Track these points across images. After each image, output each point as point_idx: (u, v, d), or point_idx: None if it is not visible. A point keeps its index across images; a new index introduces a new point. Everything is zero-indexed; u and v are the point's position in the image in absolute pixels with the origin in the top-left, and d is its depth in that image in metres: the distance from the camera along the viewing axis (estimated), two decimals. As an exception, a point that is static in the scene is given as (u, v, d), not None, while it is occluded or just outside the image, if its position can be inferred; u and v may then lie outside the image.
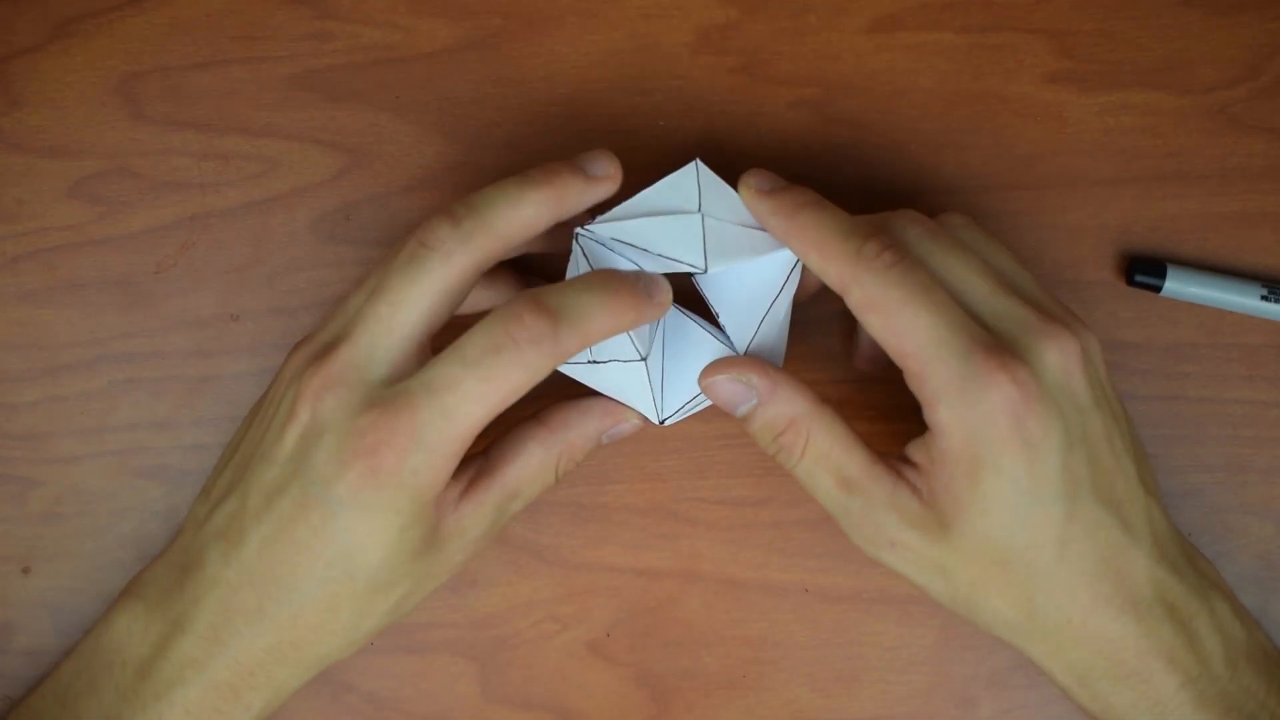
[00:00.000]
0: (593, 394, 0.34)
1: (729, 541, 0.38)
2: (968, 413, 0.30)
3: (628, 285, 0.31)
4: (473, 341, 0.29)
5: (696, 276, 0.33)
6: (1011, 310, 0.31)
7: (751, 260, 0.32)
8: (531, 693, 0.38)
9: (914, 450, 0.32)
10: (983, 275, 0.32)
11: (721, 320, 0.33)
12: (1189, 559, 0.33)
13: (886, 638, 0.38)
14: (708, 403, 0.34)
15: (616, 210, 0.32)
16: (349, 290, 0.36)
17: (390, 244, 0.38)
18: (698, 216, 0.32)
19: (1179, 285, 0.37)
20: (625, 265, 0.32)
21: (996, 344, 0.30)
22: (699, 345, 0.34)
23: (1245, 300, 0.37)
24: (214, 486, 0.33)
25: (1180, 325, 0.38)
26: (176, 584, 0.32)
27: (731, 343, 0.33)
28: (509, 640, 0.38)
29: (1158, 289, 0.38)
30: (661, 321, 0.33)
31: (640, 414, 0.34)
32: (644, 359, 0.32)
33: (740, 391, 0.32)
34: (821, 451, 0.32)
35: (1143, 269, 0.38)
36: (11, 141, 0.38)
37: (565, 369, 0.33)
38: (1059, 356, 0.30)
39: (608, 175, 0.32)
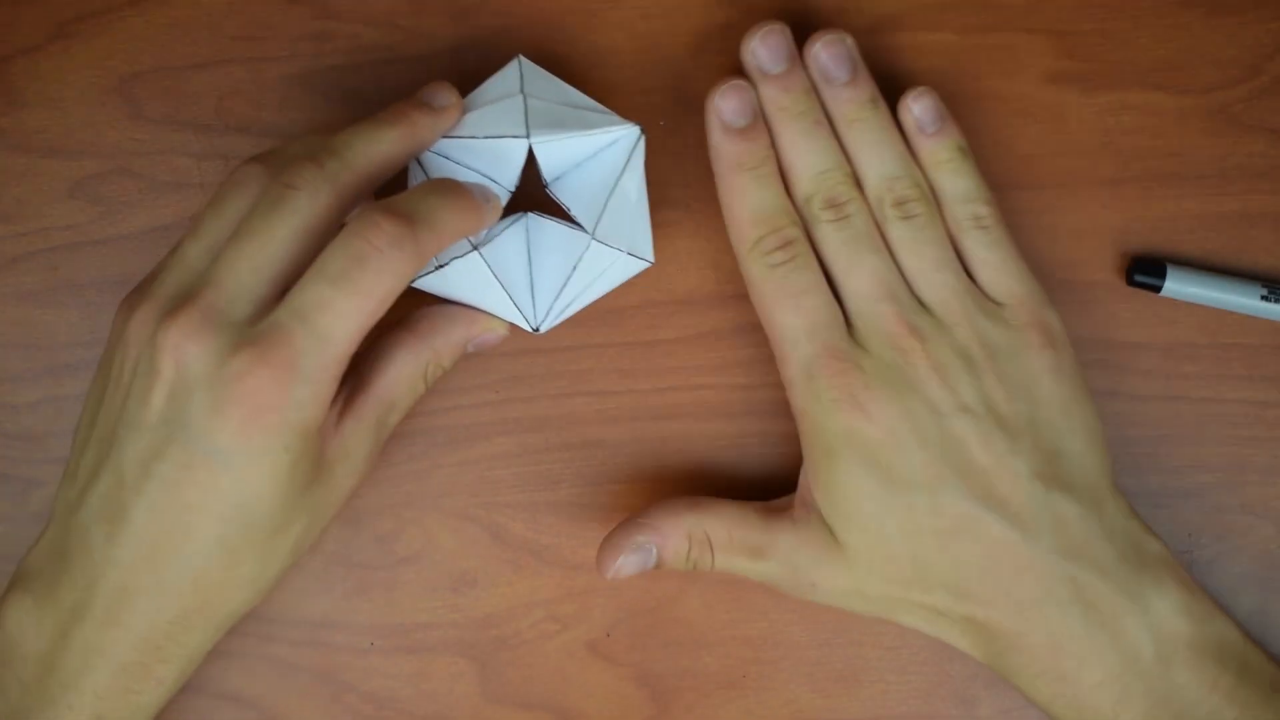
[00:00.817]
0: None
1: (729, 541, 0.38)
2: (814, 401, 0.32)
3: (465, 187, 0.32)
4: (334, 257, 0.29)
5: (547, 181, 0.34)
6: (875, 320, 0.33)
7: (582, 135, 0.33)
8: (531, 693, 0.38)
9: (803, 472, 0.34)
10: (874, 278, 0.33)
11: (573, 213, 0.34)
12: (1125, 554, 0.32)
13: (886, 638, 0.38)
14: (583, 304, 0.34)
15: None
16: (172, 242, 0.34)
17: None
18: (519, 97, 0.33)
19: (1179, 285, 0.37)
20: (461, 174, 0.33)
21: (845, 350, 0.32)
22: (558, 240, 0.34)
23: (1245, 300, 0.37)
24: (79, 468, 0.32)
25: (1180, 325, 0.38)
26: (64, 571, 0.31)
27: (585, 230, 0.33)
28: (509, 640, 0.38)
29: (1158, 289, 0.38)
30: (523, 230, 0.34)
31: (505, 321, 0.35)
32: (476, 248, 0.33)
33: (640, 558, 0.34)
34: (724, 543, 0.34)
35: (1143, 269, 0.38)
36: (11, 141, 0.38)
37: (419, 283, 0.33)
38: (924, 359, 0.32)
39: (451, 105, 0.33)
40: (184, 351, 0.29)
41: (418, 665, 0.38)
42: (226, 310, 0.29)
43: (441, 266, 0.33)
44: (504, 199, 0.34)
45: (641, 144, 0.34)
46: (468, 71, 0.39)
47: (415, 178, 0.34)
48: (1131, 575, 0.32)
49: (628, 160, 0.33)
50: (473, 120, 0.33)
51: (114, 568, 0.30)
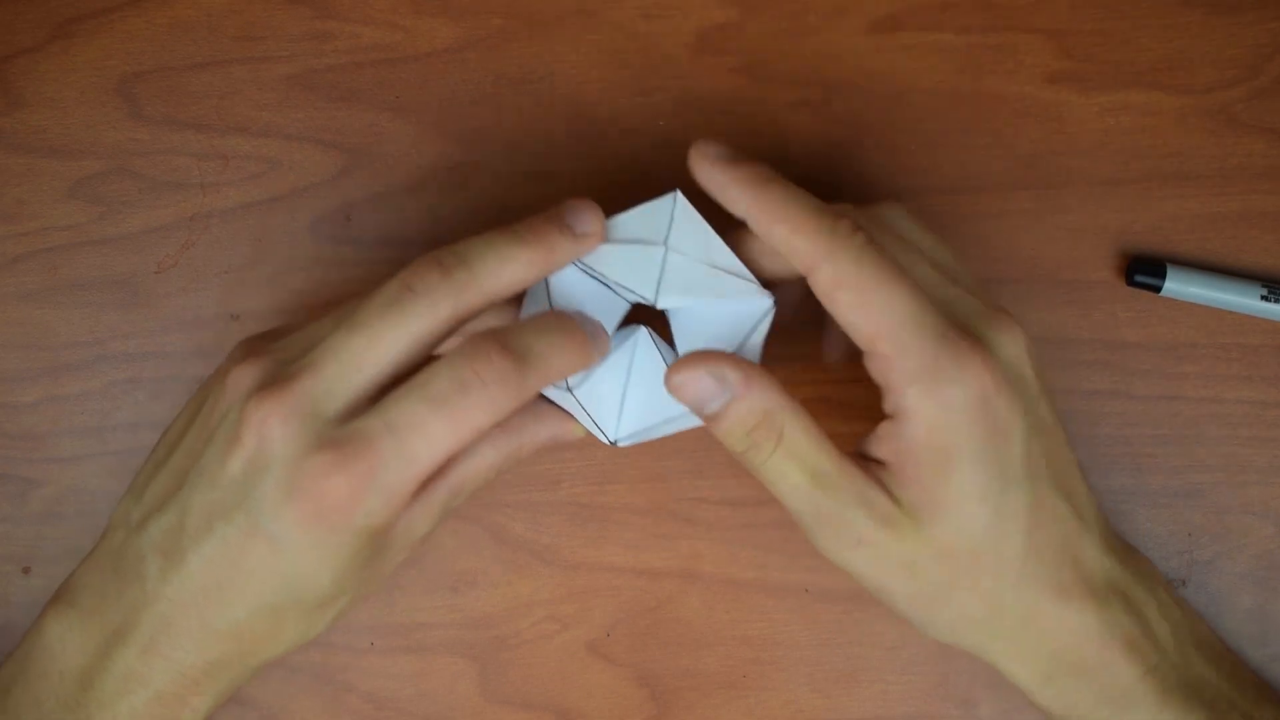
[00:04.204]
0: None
1: (729, 541, 0.38)
2: (939, 395, 0.29)
3: (580, 330, 0.31)
4: (438, 378, 0.28)
5: (669, 312, 0.33)
6: (962, 298, 0.31)
7: (715, 302, 0.32)
8: (531, 693, 0.38)
9: (873, 445, 0.31)
10: (930, 265, 0.32)
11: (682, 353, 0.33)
12: (1127, 550, 0.34)
13: (886, 638, 0.38)
14: (665, 433, 0.33)
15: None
16: (320, 311, 0.35)
17: (390, 244, 0.39)
18: (660, 249, 0.31)
19: (1179, 285, 0.37)
20: (582, 283, 0.32)
21: (966, 327, 0.30)
22: (661, 370, 0.33)
23: (1245, 300, 0.37)
24: (146, 489, 0.32)
25: (1180, 325, 0.38)
26: (114, 592, 0.31)
27: None
28: (509, 640, 0.38)
29: (1157, 289, 0.38)
30: (632, 348, 0.33)
31: (579, 425, 0.33)
32: (570, 390, 0.32)
33: (712, 387, 0.30)
34: (795, 446, 0.30)
35: (1142, 269, 0.38)
36: (12, 141, 0.38)
37: None
38: (1013, 344, 0.30)
39: (592, 233, 0.31)
40: (269, 429, 0.29)
41: (418, 665, 0.38)
42: (321, 401, 0.29)
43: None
44: (623, 310, 0.33)
45: (771, 314, 0.32)
46: (468, 72, 0.39)
47: (536, 288, 0.32)
48: (1138, 568, 0.33)
49: (755, 326, 0.32)
50: (607, 255, 0.32)
51: (163, 601, 0.30)
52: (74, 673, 0.31)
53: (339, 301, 0.39)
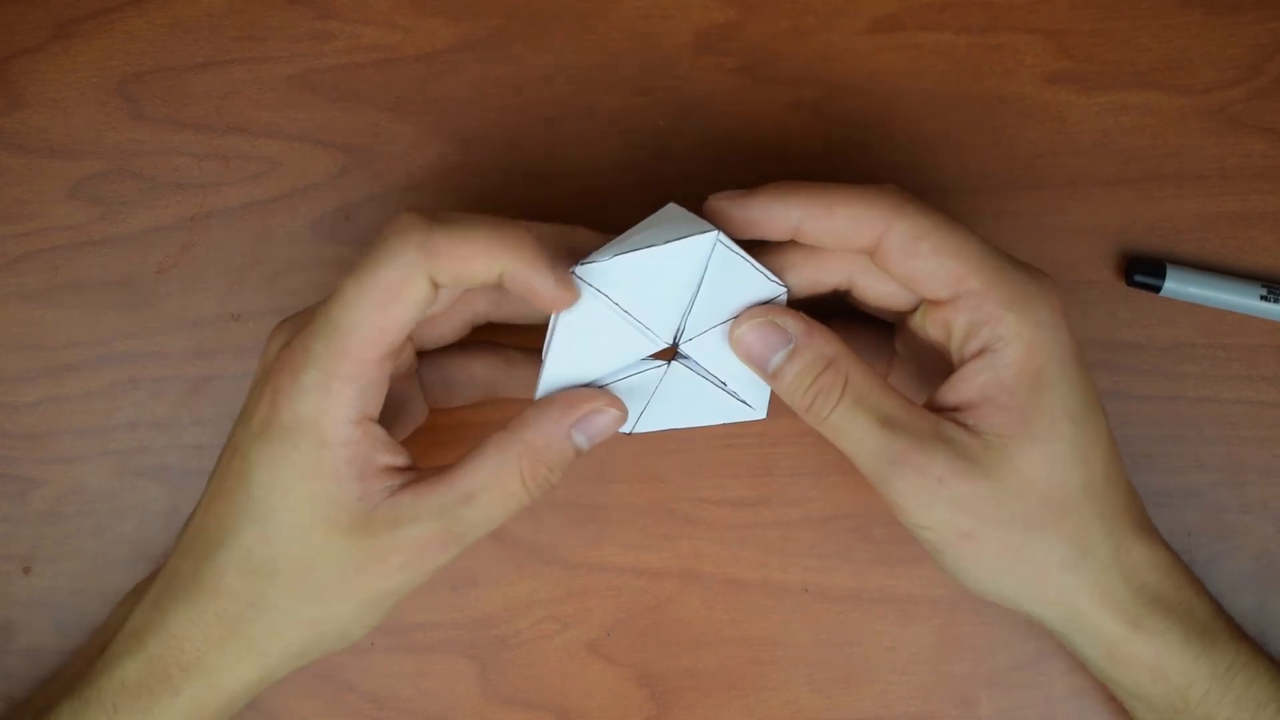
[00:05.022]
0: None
1: (729, 541, 0.38)
2: (1034, 316, 0.30)
3: (530, 241, 0.29)
4: (361, 254, 0.29)
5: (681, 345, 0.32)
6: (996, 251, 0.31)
7: (730, 320, 0.31)
8: (531, 693, 0.38)
9: (952, 391, 0.30)
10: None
11: (725, 382, 0.33)
12: None
13: (886, 638, 0.38)
14: (679, 426, 0.33)
15: (617, 256, 0.30)
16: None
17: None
18: (690, 293, 0.31)
19: (1178, 285, 0.37)
20: (605, 312, 0.30)
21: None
22: (693, 389, 0.33)
23: (1245, 300, 0.37)
24: None
25: (1180, 325, 0.38)
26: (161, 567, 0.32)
27: (731, 391, 0.33)
28: (509, 640, 0.38)
29: (1157, 289, 0.38)
30: (661, 374, 0.32)
31: (609, 401, 0.31)
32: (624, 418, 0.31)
33: (775, 337, 0.30)
34: (861, 392, 0.30)
35: (1142, 269, 0.38)
36: (12, 142, 0.38)
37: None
38: (1053, 286, 0.31)
39: (572, 297, 0.30)
40: (268, 346, 0.31)
41: (418, 665, 0.38)
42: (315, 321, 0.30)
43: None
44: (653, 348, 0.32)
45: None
46: (468, 72, 0.39)
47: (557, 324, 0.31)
48: None
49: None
50: (636, 290, 0.30)
51: (176, 555, 0.31)
52: (105, 640, 0.32)
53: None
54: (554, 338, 0.30)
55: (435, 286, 0.29)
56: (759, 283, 0.31)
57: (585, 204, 0.38)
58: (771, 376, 0.31)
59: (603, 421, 0.31)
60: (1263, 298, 0.37)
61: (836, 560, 0.38)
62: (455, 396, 0.35)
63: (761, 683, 0.38)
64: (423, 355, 0.34)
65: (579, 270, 0.30)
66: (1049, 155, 0.39)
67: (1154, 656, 0.31)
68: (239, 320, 0.38)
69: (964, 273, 0.30)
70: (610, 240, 0.31)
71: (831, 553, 0.38)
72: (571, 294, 0.29)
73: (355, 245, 0.39)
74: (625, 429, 0.32)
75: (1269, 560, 0.38)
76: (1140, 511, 0.32)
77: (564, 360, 0.31)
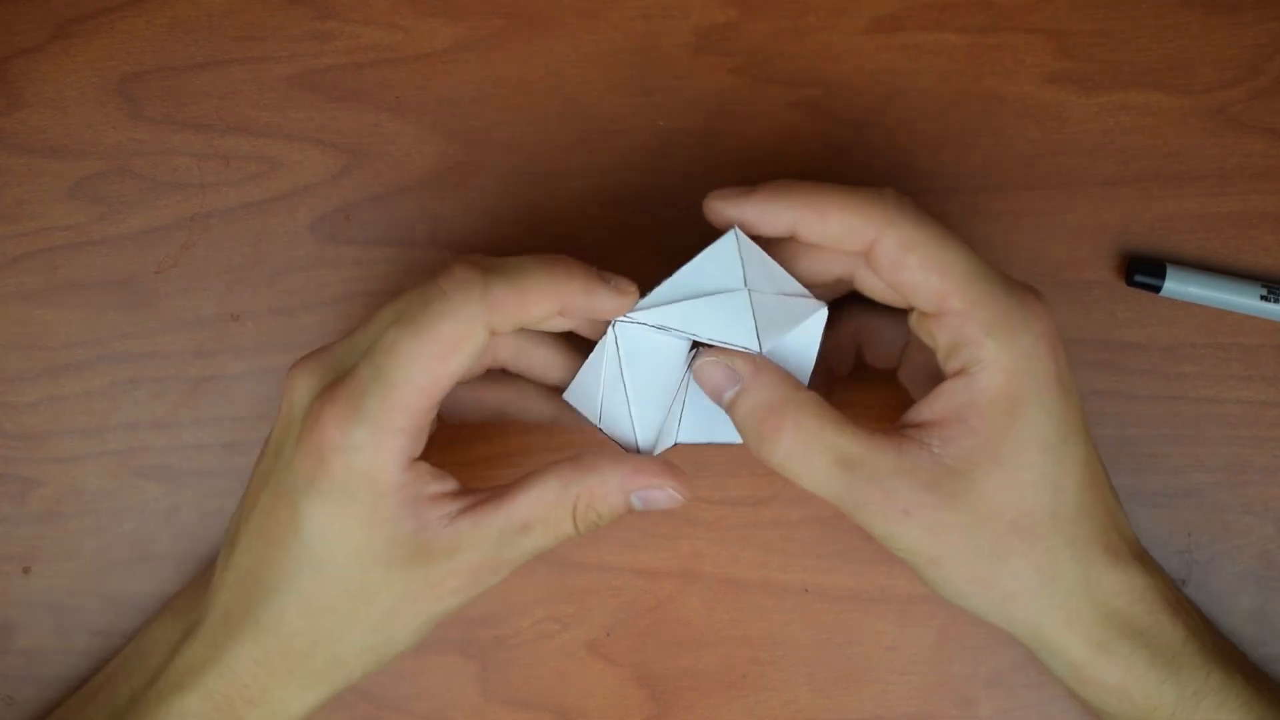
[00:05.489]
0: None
1: (729, 541, 0.38)
2: (1015, 343, 0.29)
3: (575, 263, 0.30)
4: (406, 301, 0.29)
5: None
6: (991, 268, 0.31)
7: (795, 328, 0.31)
8: (531, 693, 0.38)
9: (927, 408, 0.30)
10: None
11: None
12: None
13: (886, 638, 0.38)
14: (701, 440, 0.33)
15: (654, 294, 0.30)
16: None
17: (390, 244, 0.39)
18: (744, 293, 0.30)
19: (1178, 285, 0.37)
20: (665, 350, 0.31)
21: (1021, 281, 0.30)
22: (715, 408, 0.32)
23: (1245, 300, 0.37)
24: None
25: (1180, 325, 0.38)
26: (199, 593, 0.32)
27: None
28: (509, 640, 0.38)
29: (1157, 289, 0.38)
30: (684, 386, 0.32)
31: (676, 485, 0.31)
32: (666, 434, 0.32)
33: (725, 375, 0.31)
34: (811, 434, 0.30)
35: (1142, 269, 0.38)
36: (12, 142, 0.38)
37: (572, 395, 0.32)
38: (1047, 305, 0.31)
39: (633, 292, 0.30)
40: (294, 385, 0.30)
41: (417, 665, 0.38)
42: (344, 359, 0.30)
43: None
44: (686, 351, 0.32)
45: (825, 319, 0.32)
46: (468, 72, 0.39)
47: (603, 349, 0.31)
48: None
49: (816, 336, 0.32)
50: (692, 313, 0.30)
51: (224, 592, 0.31)
52: (151, 669, 0.32)
53: (339, 301, 0.39)
54: (615, 365, 0.31)
55: (491, 334, 0.29)
56: (789, 281, 0.31)
57: (585, 204, 0.38)
58: (728, 411, 0.31)
59: (661, 498, 0.31)
60: (1263, 298, 0.37)
61: (836, 560, 0.38)
62: (466, 417, 0.35)
63: (761, 683, 0.38)
64: None
65: (635, 315, 0.30)
66: (1049, 155, 0.39)
67: (1119, 680, 0.31)
68: (239, 320, 0.38)
69: (948, 291, 0.29)
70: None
71: (831, 553, 0.38)
72: (631, 294, 0.30)
73: (355, 245, 0.39)
74: (668, 442, 0.32)
75: (1269, 560, 0.38)
76: (1118, 536, 0.31)
77: (635, 387, 0.31)
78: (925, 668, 0.38)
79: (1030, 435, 0.29)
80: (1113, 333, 0.38)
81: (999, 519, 0.29)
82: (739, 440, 0.32)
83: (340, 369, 0.30)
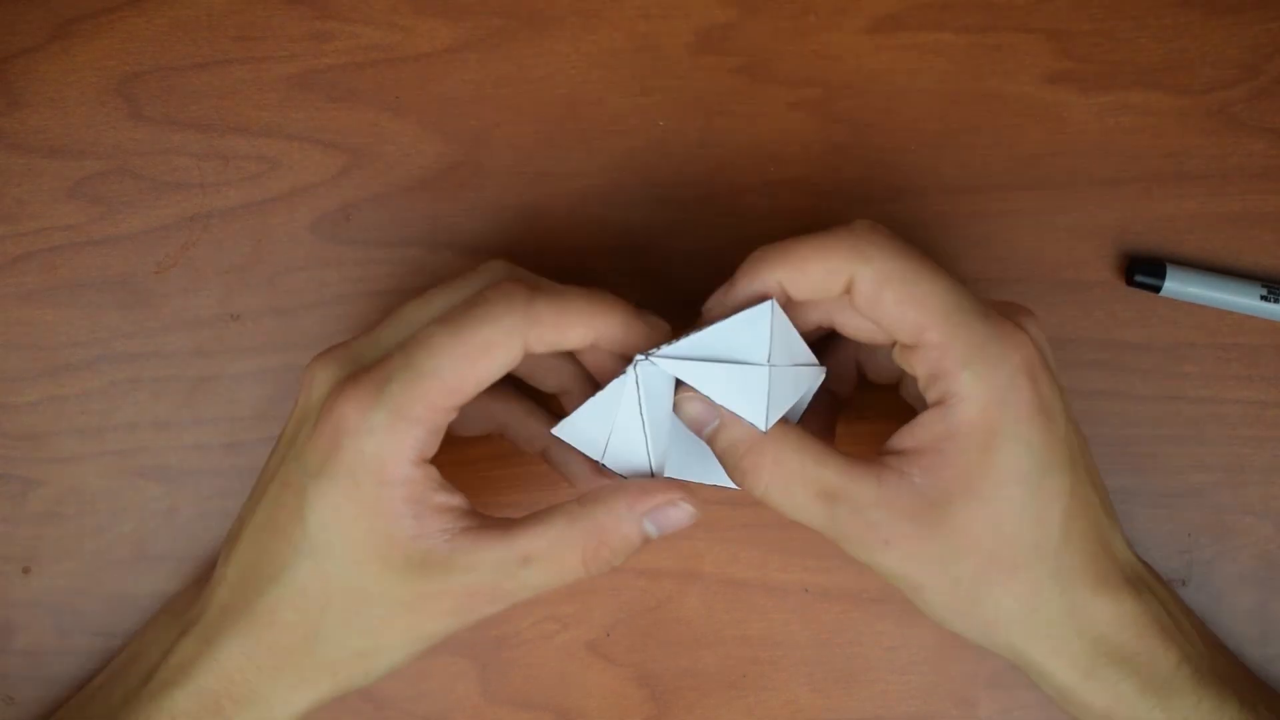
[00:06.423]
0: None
1: (729, 541, 0.38)
2: (993, 376, 0.29)
3: (619, 300, 0.31)
4: (444, 300, 0.30)
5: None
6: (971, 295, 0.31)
7: (798, 399, 0.31)
8: (531, 693, 0.38)
9: (908, 436, 0.30)
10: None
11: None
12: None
13: (886, 638, 0.38)
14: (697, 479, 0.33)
15: (683, 344, 0.30)
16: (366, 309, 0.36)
17: (390, 244, 0.39)
18: (765, 370, 0.30)
19: (1179, 285, 0.37)
20: (671, 392, 0.31)
21: (1003, 308, 0.30)
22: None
23: (1245, 300, 0.37)
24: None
25: (1180, 325, 0.38)
26: (197, 592, 0.32)
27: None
28: (509, 640, 0.38)
29: (1157, 289, 0.38)
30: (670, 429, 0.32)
31: (685, 496, 0.31)
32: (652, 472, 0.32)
33: (705, 410, 0.31)
34: (792, 469, 0.30)
35: (1142, 269, 0.38)
36: (12, 141, 0.38)
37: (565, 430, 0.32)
38: (1037, 329, 0.31)
39: (664, 327, 0.32)
40: (313, 377, 0.30)
41: (418, 665, 0.38)
42: (365, 352, 0.30)
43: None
44: None
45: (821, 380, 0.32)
46: (468, 72, 0.39)
47: (623, 385, 0.31)
48: (1145, 563, 0.34)
49: (808, 391, 0.32)
50: (711, 375, 0.30)
51: (223, 586, 0.31)
52: (145, 668, 0.32)
53: (339, 301, 0.39)
54: (633, 407, 0.31)
55: (525, 351, 0.29)
56: (803, 349, 0.32)
57: (585, 204, 0.38)
58: (710, 444, 0.31)
59: (676, 515, 0.31)
60: (1263, 298, 0.37)
61: (836, 560, 0.38)
62: (468, 428, 0.35)
63: (761, 683, 0.38)
64: None
65: (657, 359, 0.30)
66: (1049, 155, 0.39)
67: (1107, 706, 0.31)
68: (239, 320, 0.38)
69: (925, 324, 0.29)
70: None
71: (831, 553, 0.38)
72: (664, 333, 0.31)
73: (355, 245, 0.39)
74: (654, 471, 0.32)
75: (1269, 560, 0.38)
76: (1109, 563, 0.31)
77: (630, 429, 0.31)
78: (925, 668, 0.38)
79: (1008, 468, 0.29)
80: (1113, 333, 0.38)
81: (978, 550, 0.30)
82: (732, 485, 0.32)
83: (360, 363, 0.30)
